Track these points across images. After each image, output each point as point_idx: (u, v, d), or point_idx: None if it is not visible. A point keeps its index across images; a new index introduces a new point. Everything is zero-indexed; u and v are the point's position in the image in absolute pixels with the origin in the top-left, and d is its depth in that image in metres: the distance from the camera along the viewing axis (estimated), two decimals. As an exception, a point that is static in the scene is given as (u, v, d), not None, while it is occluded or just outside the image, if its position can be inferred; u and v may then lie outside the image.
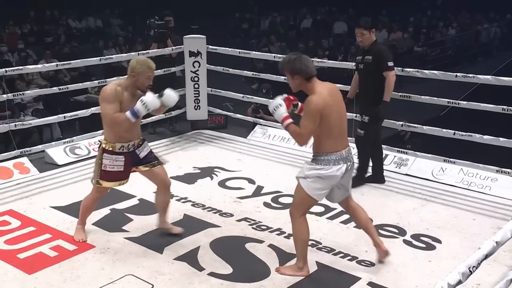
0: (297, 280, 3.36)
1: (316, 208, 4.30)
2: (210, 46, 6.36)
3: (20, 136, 6.84)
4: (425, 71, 5.15)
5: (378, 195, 4.71)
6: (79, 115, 5.82)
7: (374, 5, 17.79)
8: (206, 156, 5.69)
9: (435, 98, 5.09)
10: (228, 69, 6.50)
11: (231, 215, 4.27)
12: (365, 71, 4.73)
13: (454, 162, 4.96)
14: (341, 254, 3.68)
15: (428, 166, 5.12)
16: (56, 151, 5.45)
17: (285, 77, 3.48)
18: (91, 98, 8.70)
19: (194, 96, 6.42)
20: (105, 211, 4.24)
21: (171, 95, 3.59)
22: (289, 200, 3.92)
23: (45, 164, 5.34)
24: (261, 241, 3.84)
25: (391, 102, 4.72)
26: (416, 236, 3.96)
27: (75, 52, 12.65)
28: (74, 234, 3.85)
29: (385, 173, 5.01)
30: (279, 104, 3.27)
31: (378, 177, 4.95)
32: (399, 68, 5.21)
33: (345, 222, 4.13)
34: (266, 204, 4.49)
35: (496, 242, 2.37)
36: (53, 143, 5.75)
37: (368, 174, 5.00)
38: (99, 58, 5.95)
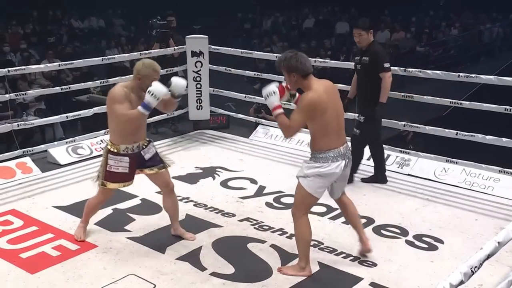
0: (299, 280, 3.36)
1: (318, 208, 4.31)
2: (212, 46, 6.36)
3: (22, 136, 6.86)
4: (428, 71, 5.15)
5: (380, 195, 4.71)
6: (82, 115, 5.84)
7: (377, 5, 17.78)
8: (208, 156, 5.69)
9: (438, 98, 5.08)
10: (230, 69, 6.51)
11: (233, 215, 4.27)
12: (362, 71, 4.74)
13: (456, 162, 4.96)
14: (343, 254, 3.68)
15: (430, 166, 5.11)
16: (59, 151, 5.46)
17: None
18: (93, 98, 8.72)
19: (196, 96, 6.42)
20: (108, 211, 4.25)
21: (178, 81, 3.58)
22: (291, 200, 3.91)
23: (47, 164, 5.35)
24: (263, 241, 3.84)
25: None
26: (418, 237, 3.96)
27: (78, 52, 12.68)
28: (74, 231, 3.86)
29: (387, 173, 5.01)
30: (272, 92, 3.26)
31: (380, 177, 4.94)
32: (401, 68, 5.22)
33: (347, 222, 4.11)
34: (268, 204, 4.49)
35: (498, 243, 2.37)
36: (55, 143, 5.75)
37: (370, 174, 5.01)
38: (101, 58, 5.96)
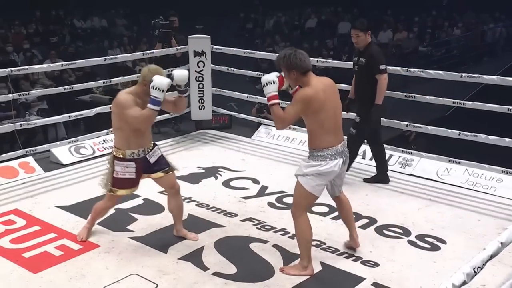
0: (301, 280, 3.36)
1: (320, 208, 4.31)
2: (215, 46, 6.37)
3: (25, 135, 6.87)
4: (430, 71, 5.14)
5: (383, 196, 4.70)
6: (84, 115, 5.85)
7: (379, 5, 17.76)
8: (211, 156, 5.69)
9: (440, 98, 5.08)
10: (232, 69, 6.51)
11: (236, 215, 4.28)
12: (359, 72, 4.76)
13: (459, 163, 4.95)
14: (346, 255, 3.67)
15: (433, 166, 5.11)
16: (61, 151, 5.47)
17: None
18: (95, 98, 8.74)
19: (199, 96, 6.43)
20: (110, 210, 4.23)
21: (180, 71, 3.57)
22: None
23: (50, 163, 5.36)
24: (265, 241, 3.84)
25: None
26: (420, 237, 3.95)
27: (80, 52, 12.71)
28: (78, 231, 3.86)
29: (389, 173, 5.01)
30: (272, 81, 3.25)
31: (382, 177, 4.94)
32: (404, 68, 5.22)
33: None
34: (270, 204, 4.49)
35: (501, 243, 2.36)
36: (58, 142, 5.77)
37: (372, 175, 5.01)
38: (104, 58, 5.97)
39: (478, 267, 2.18)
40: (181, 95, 3.63)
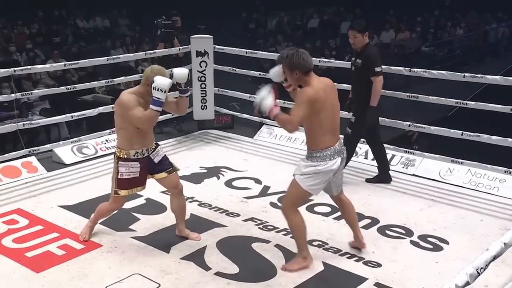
0: (304, 280, 3.36)
1: (322, 209, 4.31)
2: (217, 46, 6.37)
3: (28, 135, 6.88)
4: (433, 71, 5.14)
5: (385, 196, 4.70)
6: (87, 115, 5.86)
7: (382, 5, 17.75)
8: (213, 156, 5.70)
9: (443, 98, 5.07)
10: (235, 69, 6.51)
11: (238, 215, 4.28)
12: (356, 73, 4.77)
13: (461, 163, 4.94)
14: (348, 255, 3.67)
15: (435, 166, 5.10)
16: (64, 151, 5.48)
17: None
18: (98, 98, 8.75)
19: (201, 96, 6.43)
20: (112, 210, 4.26)
21: (179, 70, 3.57)
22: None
23: (52, 163, 5.37)
24: (267, 241, 3.84)
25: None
26: (423, 237, 3.95)
27: (83, 52, 12.73)
28: (81, 229, 3.87)
29: (392, 173, 5.00)
30: (266, 97, 3.19)
31: (384, 176, 4.94)
32: (406, 68, 5.21)
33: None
34: (272, 204, 4.49)
35: (505, 244, 2.36)
36: (60, 142, 5.77)
37: (375, 175, 5.00)
38: (106, 58, 5.98)
39: (481, 268, 2.17)
40: (182, 95, 3.63)
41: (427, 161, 5.16)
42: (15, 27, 14.03)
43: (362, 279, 3.38)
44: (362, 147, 5.35)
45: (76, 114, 5.76)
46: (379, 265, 3.55)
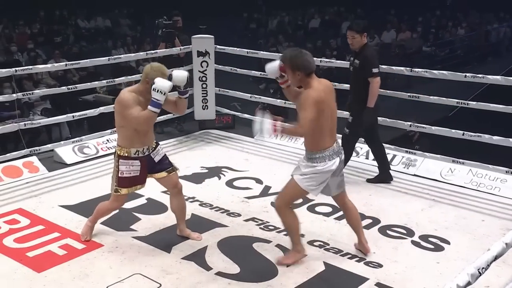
0: (305, 280, 3.36)
1: (323, 209, 4.31)
2: (218, 46, 6.37)
3: (29, 135, 6.89)
4: (434, 71, 5.14)
5: (386, 196, 4.69)
6: (88, 115, 5.86)
7: (383, 5, 17.74)
8: (214, 156, 5.70)
9: (444, 98, 5.07)
10: (236, 69, 6.51)
11: (239, 215, 4.28)
12: (354, 73, 4.77)
13: (463, 163, 4.94)
14: (349, 255, 3.67)
15: (436, 166, 5.10)
16: (65, 150, 5.48)
17: None
18: (99, 98, 8.75)
19: (202, 96, 6.43)
20: (114, 210, 4.26)
21: (178, 72, 3.57)
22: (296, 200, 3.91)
23: (54, 163, 5.37)
24: (268, 241, 3.84)
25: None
26: (424, 237, 3.95)
27: (84, 52, 12.73)
28: (81, 229, 3.87)
29: (393, 173, 5.00)
30: (264, 120, 3.22)
31: (385, 176, 4.94)
32: (407, 68, 5.21)
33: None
34: (273, 204, 4.47)
35: (506, 244, 2.36)
36: (61, 142, 5.78)
37: (375, 175, 5.00)
38: (107, 58, 5.98)
39: (483, 268, 2.17)
40: (181, 96, 3.63)
41: (428, 161, 5.16)
42: (17, 27, 14.04)
43: (363, 280, 3.38)
44: (363, 147, 5.35)
45: (77, 114, 5.76)
46: (380, 265, 3.55)
